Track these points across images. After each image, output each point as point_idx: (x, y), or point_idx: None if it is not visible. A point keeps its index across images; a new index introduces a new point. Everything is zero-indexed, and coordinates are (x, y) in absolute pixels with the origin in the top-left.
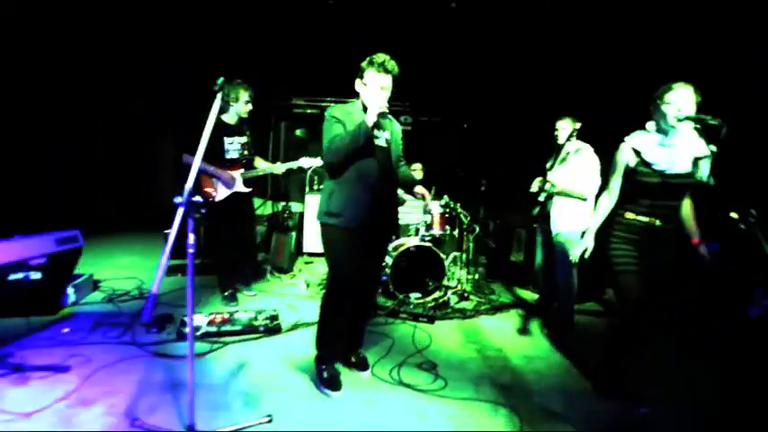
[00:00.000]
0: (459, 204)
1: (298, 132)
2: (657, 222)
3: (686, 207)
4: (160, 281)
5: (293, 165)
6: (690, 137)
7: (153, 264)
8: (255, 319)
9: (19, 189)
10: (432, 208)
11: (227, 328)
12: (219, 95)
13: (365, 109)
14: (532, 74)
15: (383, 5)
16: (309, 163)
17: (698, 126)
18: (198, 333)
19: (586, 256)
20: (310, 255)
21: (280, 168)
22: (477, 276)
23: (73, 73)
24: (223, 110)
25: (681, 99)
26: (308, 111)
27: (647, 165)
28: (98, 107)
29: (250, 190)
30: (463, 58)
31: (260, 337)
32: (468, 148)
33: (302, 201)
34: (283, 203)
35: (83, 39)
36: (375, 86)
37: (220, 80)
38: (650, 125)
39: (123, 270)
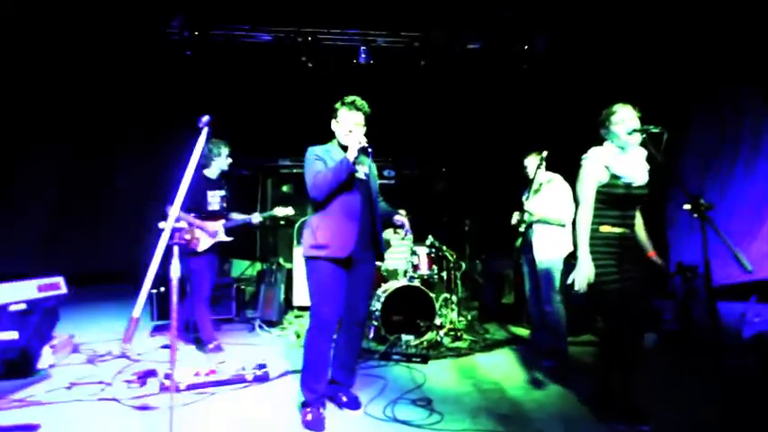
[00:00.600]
0: (444, 245)
1: (284, 188)
2: (629, 232)
3: (638, 220)
4: (142, 307)
5: (267, 214)
6: (640, 150)
7: (140, 327)
8: (243, 369)
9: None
10: (408, 228)
11: (213, 378)
12: (204, 132)
13: (341, 146)
14: (502, 115)
15: (360, 68)
16: (283, 212)
17: (644, 136)
18: (182, 385)
19: (590, 280)
20: (300, 309)
21: (257, 218)
22: (469, 318)
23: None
24: (205, 165)
25: (626, 116)
26: (294, 170)
27: (616, 177)
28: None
29: (231, 239)
30: (437, 109)
31: (248, 386)
32: (450, 193)
33: (291, 256)
34: (272, 259)
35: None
36: (349, 124)
37: (206, 117)
38: (606, 146)
39: (105, 331)
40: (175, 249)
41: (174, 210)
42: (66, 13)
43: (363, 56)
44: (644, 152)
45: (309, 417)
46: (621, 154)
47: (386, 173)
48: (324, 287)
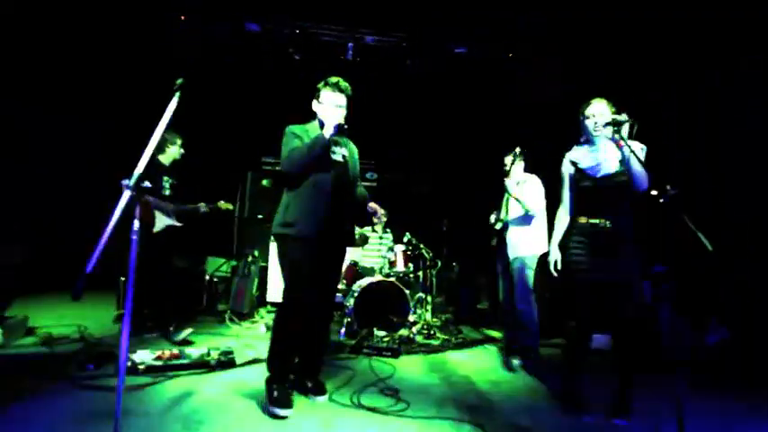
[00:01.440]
0: (421, 243)
1: (264, 182)
2: (605, 224)
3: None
4: (95, 260)
5: (214, 206)
6: (611, 142)
7: (102, 314)
8: (208, 354)
9: None
10: (382, 214)
11: (176, 362)
12: (176, 96)
13: (322, 126)
14: (487, 116)
15: (347, 65)
16: (225, 205)
17: (616, 128)
18: (141, 367)
19: (558, 267)
20: (273, 305)
21: (202, 208)
22: (444, 319)
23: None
24: (160, 151)
25: (597, 111)
26: (277, 168)
27: (582, 171)
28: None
29: (182, 225)
30: (422, 110)
31: (212, 371)
32: (431, 195)
33: (267, 253)
34: (247, 251)
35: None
36: (330, 104)
37: (179, 80)
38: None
39: (66, 318)
40: (137, 209)
41: (141, 164)
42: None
43: (351, 52)
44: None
45: (276, 394)
46: (591, 148)
47: (368, 175)
48: (292, 265)
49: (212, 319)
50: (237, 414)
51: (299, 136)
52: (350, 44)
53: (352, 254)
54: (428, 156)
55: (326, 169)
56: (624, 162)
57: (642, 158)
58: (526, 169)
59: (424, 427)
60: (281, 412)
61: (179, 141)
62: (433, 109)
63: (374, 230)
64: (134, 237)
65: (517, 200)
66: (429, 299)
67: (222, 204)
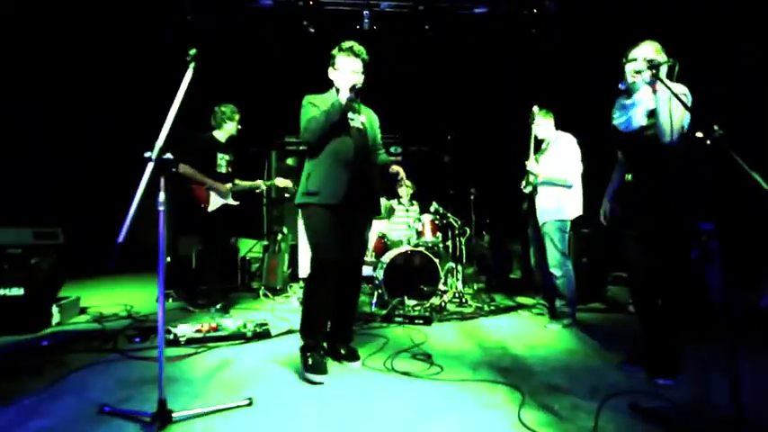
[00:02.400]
0: (449, 212)
1: (289, 161)
2: (629, 177)
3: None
4: (125, 230)
5: (270, 183)
6: (647, 89)
7: (148, 295)
8: (244, 326)
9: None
10: (404, 180)
11: (214, 334)
12: (191, 67)
13: (338, 92)
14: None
15: (364, 35)
16: (283, 182)
17: (656, 72)
18: (183, 339)
19: (606, 216)
20: (305, 280)
21: (261, 185)
22: (476, 287)
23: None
24: (215, 128)
25: (640, 54)
26: (300, 147)
27: (615, 125)
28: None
29: (238, 203)
30: (443, 78)
31: (248, 342)
32: (457, 165)
33: (296, 232)
34: (276, 228)
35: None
36: (346, 70)
37: (193, 51)
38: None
39: (114, 299)
40: (162, 181)
41: (162, 136)
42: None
43: (367, 21)
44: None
45: (311, 361)
46: (625, 98)
47: (392, 149)
48: (319, 233)
49: (247, 295)
50: (275, 380)
51: (316, 105)
52: (366, 12)
53: (379, 226)
54: (453, 123)
55: (345, 134)
56: (655, 113)
57: (687, 102)
58: (558, 126)
59: (458, 390)
60: (317, 378)
61: (237, 116)
62: (455, 75)
63: (400, 202)
64: (161, 209)
65: (552, 181)
66: (459, 268)
67: (279, 181)
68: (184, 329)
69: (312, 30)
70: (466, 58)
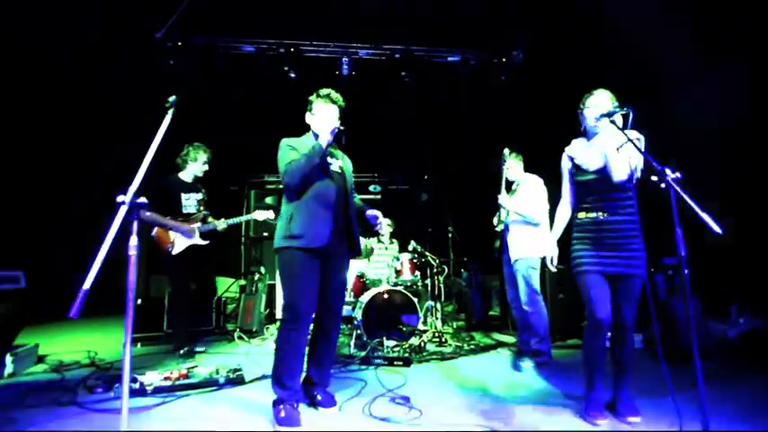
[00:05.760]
0: (427, 250)
1: (267, 200)
2: (602, 216)
3: None
4: (92, 277)
5: (248, 217)
6: (610, 134)
7: (114, 340)
8: (216, 372)
9: None
10: (383, 222)
11: (184, 382)
12: (170, 113)
13: (316, 138)
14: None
15: (343, 80)
16: (263, 215)
17: (613, 120)
18: (149, 388)
19: (554, 263)
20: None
21: (222, 224)
22: (455, 327)
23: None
24: (180, 168)
25: (599, 101)
26: (280, 186)
27: (578, 166)
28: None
29: (207, 242)
30: (419, 120)
31: (221, 389)
32: (434, 203)
33: (275, 271)
34: (254, 268)
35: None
36: (324, 116)
37: (172, 98)
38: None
39: (76, 345)
40: (134, 225)
41: (136, 179)
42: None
43: (346, 67)
44: (615, 135)
45: (283, 414)
46: (586, 142)
47: (371, 188)
48: (297, 278)
49: (222, 338)
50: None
51: (294, 148)
52: (344, 59)
53: (358, 265)
54: (430, 164)
55: (327, 176)
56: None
57: (641, 147)
58: (526, 169)
59: None
60: (290, 430)
61: (202, 157)
62: (431, 117)
63: (380, 241)
64: (132, 253)
65: (521, 215)
66: (438, 306)
67: (260, 215)
68: (152, 378)
69: (293, 75)
70: (441, 101)
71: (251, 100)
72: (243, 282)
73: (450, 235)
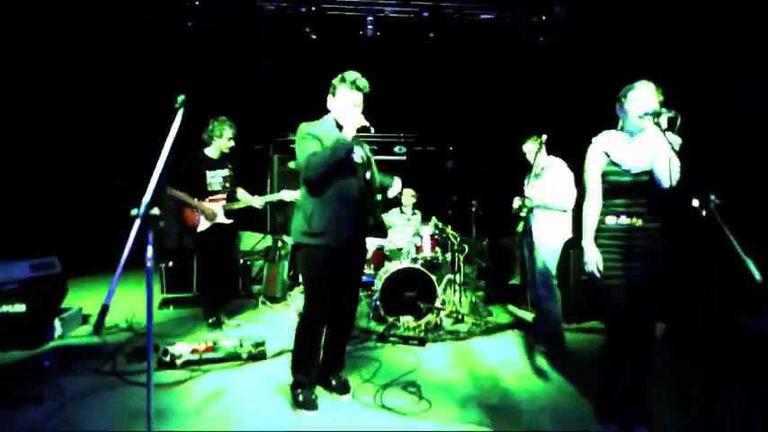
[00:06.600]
0: (449, 226)
1: (290, 164)
2: (639, 223)
3: None
4: (112, 292)
5: (273, 198)
6: (653, 133)
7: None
8: (240, 346)
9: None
10: (398, 187)
11: (210, 355)
12: (180, 112)
13: (338, 125)
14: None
15: (367, 40)
16: (290, 196)
17: (657, 120)
18: (179, 361)
19: (600, 267)
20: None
21: (259, 202)
22: (474, 300)
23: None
24: (206, 144)
25: (642, 96)
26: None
27: (616, 165)
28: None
29: (231, 221)
30: (447, 84)
31: (243, 364)
32: (460, 172)
33: None
34: (276, 236)
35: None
36: (348, 103)
37: (181, 98)
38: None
39: (114, 305)
40: (150, 236)
41: (149, 191)
42: None
43: (370, 27)
44: (656, 136)
45: (301, 398)
46: (627, 138)
47: (396, 149)
48: (317, 275)
49: (248, 302)
50: (265, 413)
51: (315, 137)
52: (368, 18)
53: (377, 240)
54: (457, 129)
55: (351, 173)
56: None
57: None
58: (549, 152)
59: None
60: (307, 415)
61: (228, 133)
62: (460, 80)
63: (402, 211)
64: (148, 264)
65: (546, 207)
66: (458, 279)
67: (286, 195)
68: (181, 349)
69: (314, 36)
70: (471, 63)
71: (271, 61)
72: (269, 239)
73: (473, 209)
